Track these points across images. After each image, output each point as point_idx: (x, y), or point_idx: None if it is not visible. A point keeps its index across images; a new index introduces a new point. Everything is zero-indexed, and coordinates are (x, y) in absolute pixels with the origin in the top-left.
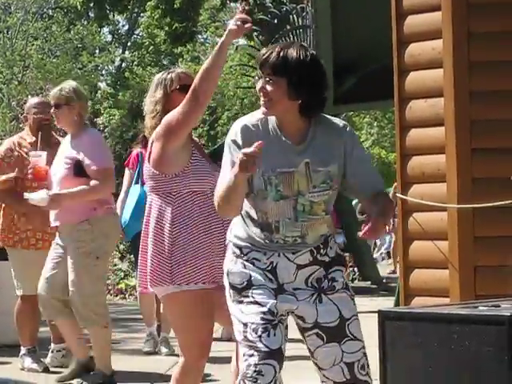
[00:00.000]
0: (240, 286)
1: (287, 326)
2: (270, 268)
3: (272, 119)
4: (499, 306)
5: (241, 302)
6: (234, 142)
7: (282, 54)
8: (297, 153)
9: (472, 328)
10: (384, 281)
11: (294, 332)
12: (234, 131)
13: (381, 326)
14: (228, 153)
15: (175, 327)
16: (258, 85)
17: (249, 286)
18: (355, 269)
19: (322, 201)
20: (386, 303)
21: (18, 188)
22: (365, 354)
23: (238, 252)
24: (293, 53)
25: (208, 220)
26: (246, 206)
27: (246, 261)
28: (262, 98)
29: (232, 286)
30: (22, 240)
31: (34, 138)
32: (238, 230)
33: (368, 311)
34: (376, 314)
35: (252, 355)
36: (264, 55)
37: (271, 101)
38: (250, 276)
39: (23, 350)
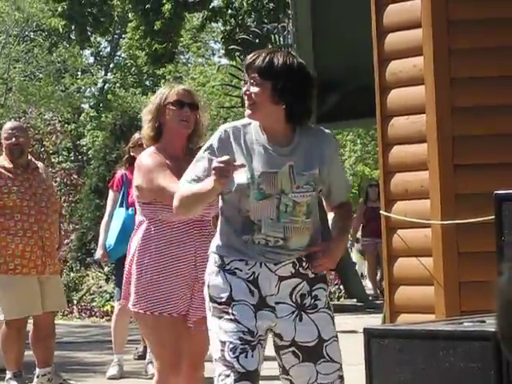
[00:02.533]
0: (220, 300)
1: (265, 346)
2: (251, 279)
3: (256, 124)
4: (484, 322)
5: (220, 318)
6: (210, 146)
7: (268, 57)
8: (280, 155)
9: (457, 344)
10: (370, 298)
11: (269, 350)
12: (214, 136)
13: (366, 343)
14: (201, 152)
15: (148, 342)
16: (244, 88)
17: (229, 302)
18: (341, 286)
19: (305, 202)
20: (372, 321)
21: None
22: (340, 377)
23: (219, 261)
24: (279, 58)
25: (177, 250)
26: (227, 208)
27: (228, 271)
28: (246, 101)
29: (212, 299)
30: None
31: (11, 164)
32: (219, 238)
33: (350, 330)
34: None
35: (228, 376)
36: (251, 58)
37: (255, 104)
38: (231, 290)
39: (9, 374)
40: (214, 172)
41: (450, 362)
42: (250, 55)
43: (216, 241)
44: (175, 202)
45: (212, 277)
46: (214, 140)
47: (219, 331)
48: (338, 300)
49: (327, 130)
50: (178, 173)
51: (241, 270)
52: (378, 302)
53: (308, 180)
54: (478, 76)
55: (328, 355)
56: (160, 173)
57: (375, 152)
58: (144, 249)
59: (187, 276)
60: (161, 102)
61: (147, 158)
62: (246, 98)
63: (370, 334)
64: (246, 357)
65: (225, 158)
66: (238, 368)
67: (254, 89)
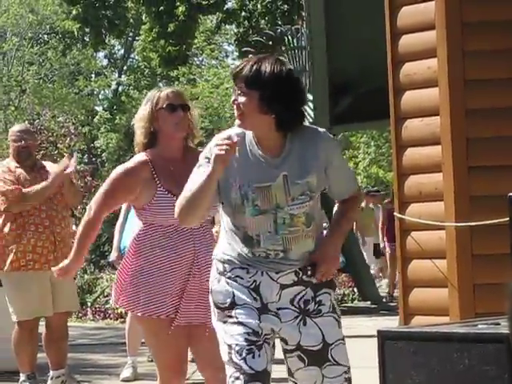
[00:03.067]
0: (223, 305)
1: (274, 344)
2: (253, 286)
3: (250, 133)
4: (499, 324)
5: (225, 322)
6: (207, 158)
7: (255, 66)
8: (274, 166)
9: (472, 346)
10: (384, 300)
11: (278, 353)
12: (209, 147)
13: (380, 346)
14: (197, 167)
15: (148, 346)
16: (232, 97)
17: (232, 306)
18: (355, 289)
19: (302, 213)
20: (386, 323)
21: None
22: (346, 379)
23: (221, 269)
24: (267, 66)
25: (172, 254)
26: (227, 220)
27: (229, 278)
28: (235, 111)
29: (216, 305)
30: (11, 262)
31: (17, 165)
32: (222, 244)
33: (367, 335)
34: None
35: (238, 378)
36: (238, 67)
37: (243, 114)
38: (234, 295)
39: (22, 377)
40: (214, 157)
41: (464, 364)
42: (238, 64)
43: (219, 247)
44: (176, 209)
45: (215, 283)
46: (210, 150)
47: (225, 335)
48: (352, 302)
49: (321, 129)
50: (180, 175)
51: (242, 278)
52: (391, 304)
53: (303, 190)
54: (492, 78)
55: (333, 359)
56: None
57: (389, 154)
58: (138, 252)
59: (186, 278)
60: (152, 107)
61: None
62: (234, 107)
63: (384, 337)
64: (254, 357)
65: (223, 141)
66: (247, 369)
67: (242, 99)
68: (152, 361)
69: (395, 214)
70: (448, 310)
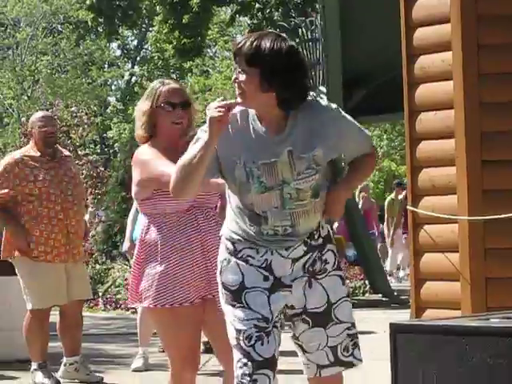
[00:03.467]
0: (233, 287)
1: (282, 324)
2: (265, 265)
3: (253, 111)
4: (511, 318)
5: (234, 306)
6: (204, 131)
7: (255, 43)
8: (277, 142)
9: (483, 340)
10: (395, 293)
11: (285, 343)
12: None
13: (392, 338)
14: (193, 142)
15: (160, 338)
16: (233, 76)
17: (242, 289)
18: (366, 281)
19: (309, 187)
20: (398, 316)
21: (11, 203)
22: (350, 335)
23: (231, 248)
24: (266, 43)
25: (183, 241)
26: (234, 198)
27: (240, 258)
28: (236, 90)
29: (225, 287)
30: (27, 252)
31: (38, 153)
32: (230, 223)
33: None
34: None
35: (246, 364)
36: (238, 44)
37: (244, 93)
38: (243, 277)
39: (34, 365)
40: (209, 118)
41: (476, 357)
42: (238, 40)
43: (227, 226)
44: (171, 180)
45: (224, 264)
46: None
47: (234, 319)
48: (364, 295)
49: (324, 102)
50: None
51: (253, 258)
52: (403, 297)
53: (309, 163)
54: (506, 72)
55: (336, 317)
56: (157, 161)
57: (402, 147)
58: (147, 245)
59: (196, 265)
60: (153, 103)
61: (142, 153)
62: (235, 86)
63: (395, 329)
64: (262, 344)
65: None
66: (255, 357)
67: (242, 77)
68: (163, 351)
69: (408, 206)
70: (460, 303)
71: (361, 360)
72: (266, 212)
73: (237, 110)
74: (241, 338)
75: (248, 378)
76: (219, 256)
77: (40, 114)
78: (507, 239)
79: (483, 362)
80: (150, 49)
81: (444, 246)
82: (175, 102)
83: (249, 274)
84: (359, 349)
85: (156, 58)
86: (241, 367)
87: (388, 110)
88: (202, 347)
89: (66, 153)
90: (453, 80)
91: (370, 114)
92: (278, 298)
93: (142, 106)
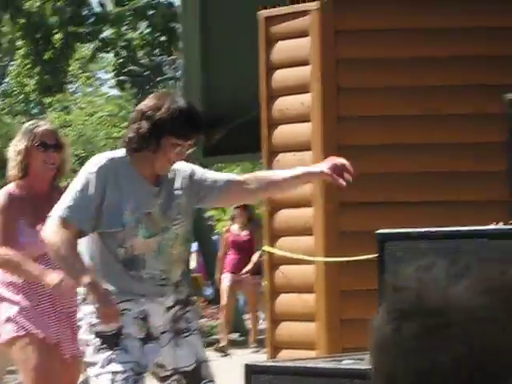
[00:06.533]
0: (110, 333)
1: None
2: (142, 316)
3: (128, 158)
4: (363, 360)
5: (110, 350)
6: (87, 178)
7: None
8: (153, 195)
9: (336, 381)
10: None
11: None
12: (95, 163)
13: (247, 379)
14: (80, 179)
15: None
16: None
17: (118, 335)
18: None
19: (181, 232)
20: (254, 356)
21: None
22: None
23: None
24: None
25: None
26: (103, 252)
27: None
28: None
29: (100, 336)
30: None
31: None
32: (102, 279)
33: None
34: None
35: None
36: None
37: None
38: (121, 326)
39: None
40: (100, 314)
41: None
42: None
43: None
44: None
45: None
46: (90, 172)
47: (109, 363)
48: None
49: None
50: (43, 210)
51: (130, 310)
52: (260, 337)
53: (178, 210)
54: (365, 115)
55: (206, 376)
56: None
57: None
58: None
59: (54, 306)
60: (28, 143)
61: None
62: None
63: (251, 371)
64: None
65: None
66: None
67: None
68: None
69: (264, 247)
70: (315, 344)
71: None
72: (145, 255)
73: (117, 154)
74: (118, 379)
75: None
76: (87, 309)
77: None
78: (362, 281)
79: None
80: (10, 82)
81: (299, 287)
82: (48, 144)
83: (126, 324)
84: None
85: (16, 92)
86: None
87: (248, 149)
88: None
89: None
90: (311, 122)
91: (229, 153)
92: (150, 351)
93: (17, 146)
